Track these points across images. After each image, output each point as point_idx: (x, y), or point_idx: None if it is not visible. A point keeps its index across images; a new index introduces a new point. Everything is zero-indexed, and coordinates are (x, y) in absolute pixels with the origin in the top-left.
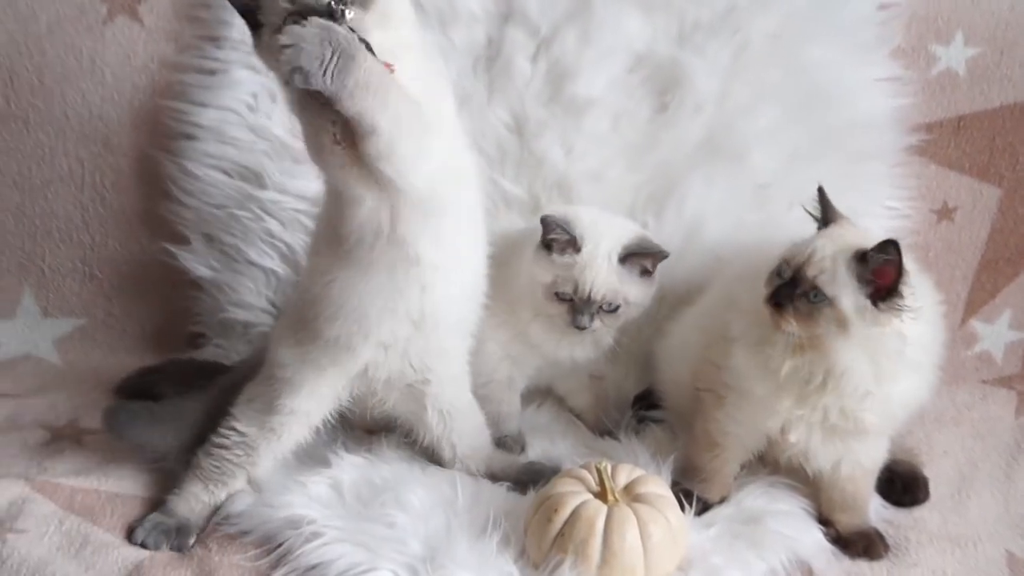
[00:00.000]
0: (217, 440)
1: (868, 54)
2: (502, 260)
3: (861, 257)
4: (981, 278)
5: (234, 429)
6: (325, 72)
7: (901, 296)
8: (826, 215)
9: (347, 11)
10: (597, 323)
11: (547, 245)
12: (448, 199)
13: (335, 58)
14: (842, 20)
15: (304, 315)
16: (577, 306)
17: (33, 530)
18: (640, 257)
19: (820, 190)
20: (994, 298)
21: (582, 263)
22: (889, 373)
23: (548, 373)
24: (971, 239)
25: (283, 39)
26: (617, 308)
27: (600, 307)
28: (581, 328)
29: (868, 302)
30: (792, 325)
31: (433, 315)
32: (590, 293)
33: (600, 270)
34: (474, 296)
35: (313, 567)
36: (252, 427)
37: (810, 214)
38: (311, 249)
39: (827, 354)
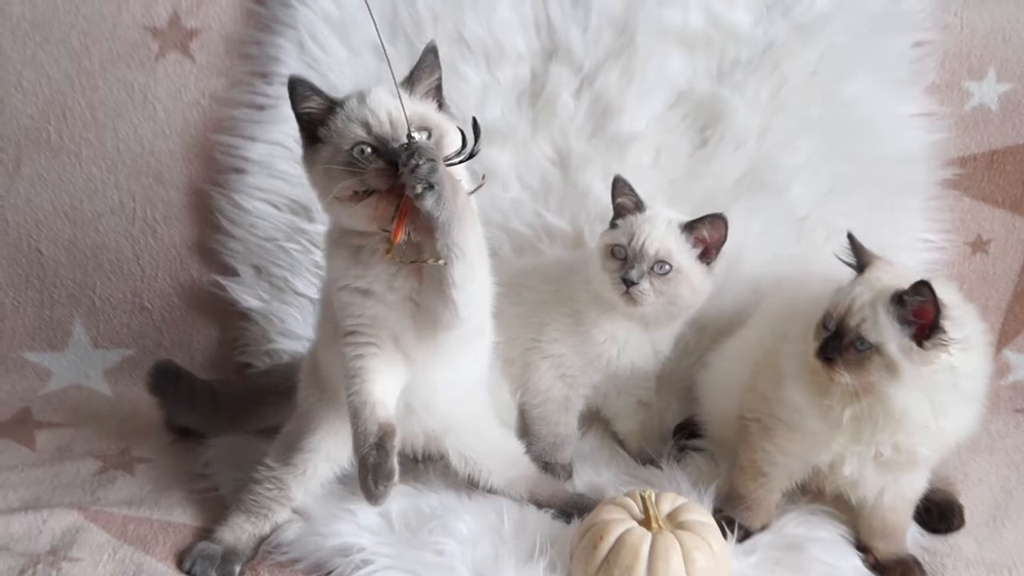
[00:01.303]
0: (254, 475)
1: (903, 90)
2: (565, 277)
3: (898, 299)
4: (1015, 309)
5: (265, 465)
6: (446, 198)
7: (943, 331)
8: (860, 259)
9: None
10: (647, 284)
11: (615, 214)
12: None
13: (451, 188)
14: (878, 57)
15: (318, 364)
16: (630, 260)
17: (87, 559)
18: (701, 226)
19: (850, 236)
20: None
21: (642, 219)
22: (945, 407)
23: (601, 392)
24: (1004, 270)
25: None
26: (668, 272)
27: (652, 267)
28: (630, 284)
29: (913, 343)
30: (845, 377)
31: (424, 404)
32: (644, 244)
33: (658, 227)
34: (474, 372)
35: None
36: (279, 463)
37: (844, 261)
38: (321, 310)
39: (884, 398)
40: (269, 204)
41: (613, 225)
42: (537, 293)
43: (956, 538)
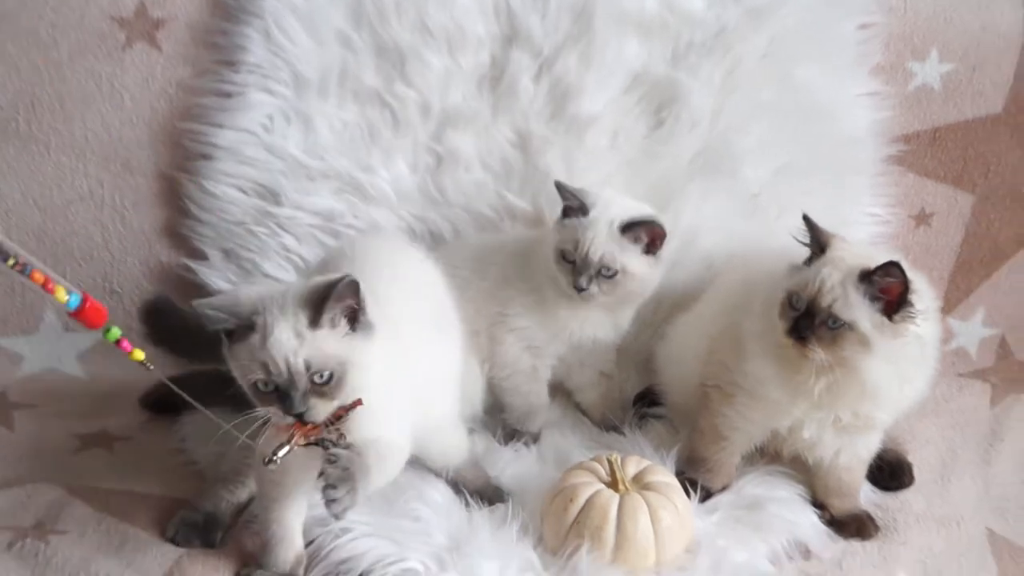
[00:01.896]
0: (230, 444)
1: (850, 71)
2: (529, 253)
3: (866, 276)
4: (956, 279)
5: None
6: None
7: (911, 304)
8: (818, 239)
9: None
10: (595, 288)
11: (563, 212)
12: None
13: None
14: (826, 40)
15: None
16: (578, 266)
17: (74, 531)
18: (638, 228)
19: (806, 218)
20: (968, 297)
21: (585, 224)
22: (910, 375)
23: (565, 364)
24: (947, 242)
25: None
26: (614, 275)
27: (599, 271)
28: (579, 289)
29: (884, 318)
30: (819, 353)
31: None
32: (588, 252)
33: (600, 233)
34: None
35: (344, 561)
36: (254, 435)
37: (801, 242)
38: None
39: (856, 371)
40: (237, 189)
41: (563, 222)
42: (502, 268)
43: (906, 495)
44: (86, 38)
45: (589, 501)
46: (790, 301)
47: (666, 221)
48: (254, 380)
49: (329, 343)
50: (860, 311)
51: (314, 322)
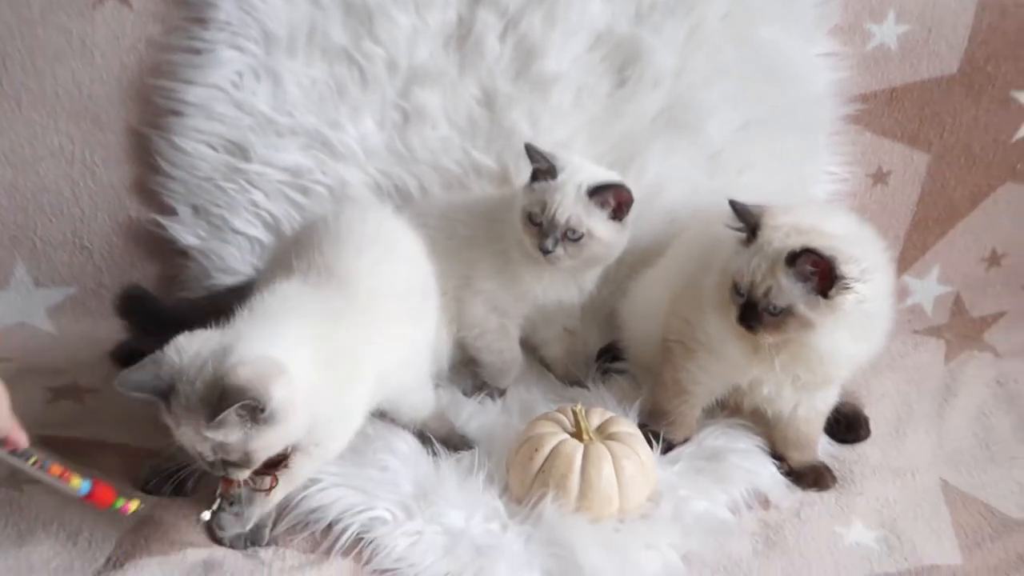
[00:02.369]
0: None
1: (809, 32)
2: (495, 215)
3: (792, 259)
4: (912, 237)
5: None
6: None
7: (842, 277)
8: (748, 223)
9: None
10: (561, 251)
11: (532, 176)
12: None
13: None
14: (787, 1)
15: None
16: (544, 229)
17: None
18: (606, 192)
19: (731, 203)
20: (924, 255)
21: (553, 188)
22: (864, 334)
23: (530, 322)
24: (903, 201)
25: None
26: (580, 238)
27: (565, 234)
28: (545, 252)
29: (819, 297)
30: (768, 338)
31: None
32: (555, 215)
33: (568, 196)
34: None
35: (314, 510)
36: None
37: (732, 228)
38: None
39: (807, 346)
40: (207, 145)
41: (531, 185)
42: (469, 229)
43: (863, 447)
44: None
45: (554, 450)
46: (735, 288)
47: (632, 184)
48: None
49: (230, 437)
50: (795, 295)
51: (210, 419)
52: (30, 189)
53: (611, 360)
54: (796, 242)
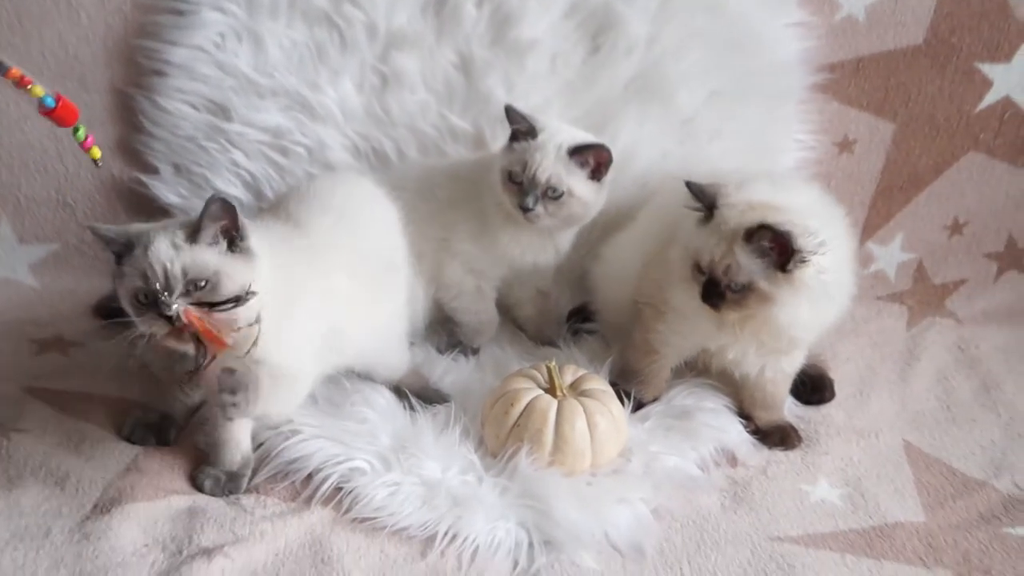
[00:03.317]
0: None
1: (779, 2)
2: (473, 178)
3: (749, 237)
4: (877, 204)
5: None
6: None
7: (799, 251)
8: (705, 202)
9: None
10: (541, 209)
11: (512, 137)
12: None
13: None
14: None
15: None
16: (525, 187)
17: (35, 429)
18: (586, 152)
19: (687, 184)
20: (888, 222)
21: (534, 147)
22: (825, 303)
23: (505, 282)
24: (868, 169)
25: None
26: (560, 196)
27: (545, 192)
28: (526, 209)
29: (777, 272)
30: (732, 315)
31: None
32: (536, 173)
33: (548, 155)
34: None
35: (294, 460)
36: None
37: (690, 207)
38: None
39: (771, 319)
40: (189, 105)
41: (511, 146)
42: (447, 192)
43: (828, 408)
44: None
45: (529, 405)
46: (697, 266)
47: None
48: (135, 290)
49: (205, 255)
50: (754, 271)
51: (191, 238)
52: (15, 147)
53: (582, 321)
54: (751, 219)
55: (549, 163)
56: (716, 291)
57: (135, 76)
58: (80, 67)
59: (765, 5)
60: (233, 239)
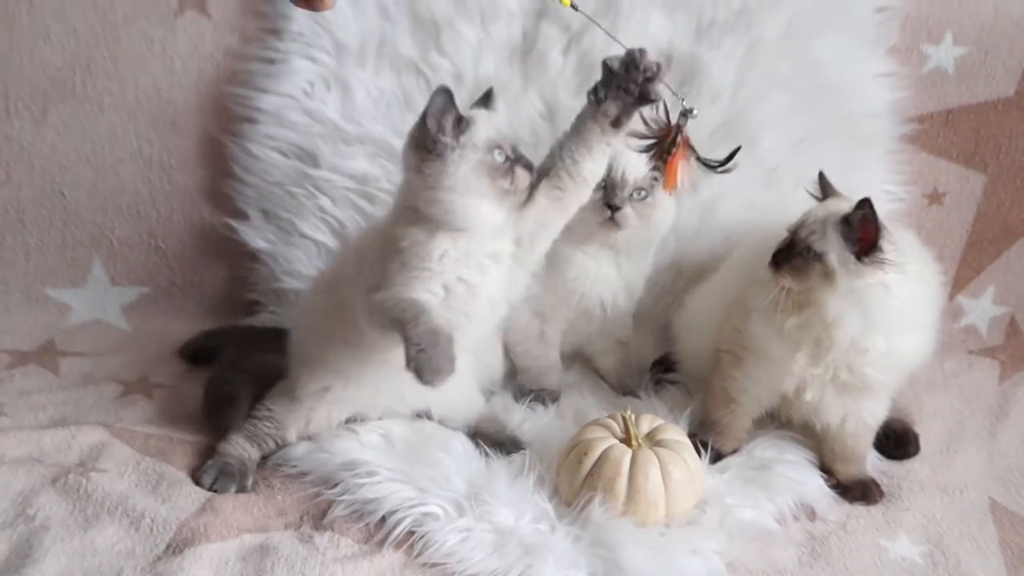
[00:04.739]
0: (254, 412)
1: (867, 51)
2: None
3: (846, 220)
4: (967, 257)
5: (265, 406)
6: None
7: (881, 250)
8: (825, 193)
9: None
10: (629, 209)
11: None
12: None
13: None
14: (844, 20)
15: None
16: (611, 188)
17: (113, 469)
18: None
19: (821, 174)
20: (979, 275)
21: (615, 153)
22: (880, 325)
23: (584, 333)
24: (959, 221)
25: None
26: (646, 197)
27: (631, 193)
28: (615, 208)
29: (852, 256)
30: (787, 280)
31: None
32: (624, 172)
33: (631, 157)
34: None
35: (369, 501)
36: (278, 407)
37: (812, 195)
38: (315, 288)
39: (819, 306)
40: (278, 152)
41: None
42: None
43: (912, 464)
44: (141, 3)
45: (603, 455)
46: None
47: (688, 201)
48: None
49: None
50: (832, 245)
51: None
52: (109, 190)
53: (664, 371)
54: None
55: (634, 163)
56: (787, 254)
57: (226, 122)
58: (173, 112)
59: (852, 54)
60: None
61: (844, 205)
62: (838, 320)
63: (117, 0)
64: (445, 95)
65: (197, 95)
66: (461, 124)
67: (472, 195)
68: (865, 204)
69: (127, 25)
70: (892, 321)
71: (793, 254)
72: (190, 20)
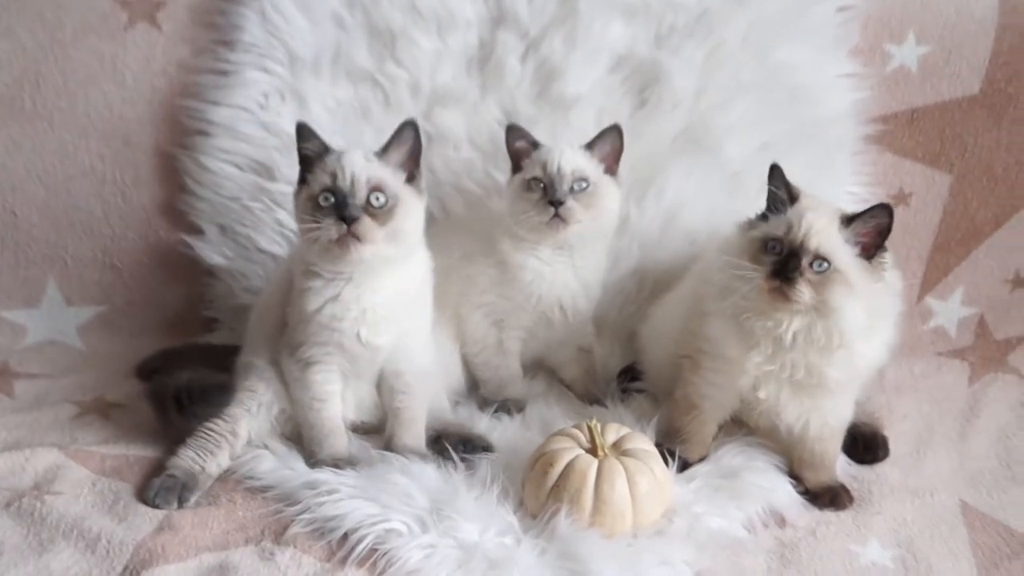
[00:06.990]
0: (209, 422)
1: (829, 53)
2: (485, 228)
3: (848, 221)
4: (935, 258)
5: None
6: None
7: (885, 249)
8: (790, 190)
9: None
10: (572, 202)
11: (514, 159)
12: None
13: None
14: (805, 23)
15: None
16: (550, 185)
17: (68, 491)
18: (601, 144)
19: (776, 166)
20: (947, 277)
21: (547, 149)
22: (877, 325)
23: (540, 340)
24: (925, 222)
25: None
26: (587, 187)
27: (571, 187)
28: (558, 204)
29: (864, 261)
30: (805, 295)
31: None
32: (560, 166)
33: (565, 151)
34: None
35: (331, 519)
36: (239, 408)
37: (775, 191)
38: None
39: (836, 314)
40: (233, 165)
41: (517, 169)
42: (462, 246)
43: (882, 467)
44: (90, 18)
45: (568, 466)
46: (766, 246)
47: (652, 206)
48: (320, 191)
49: (388, 175)
50: (845, 253)
51: (380, 155)
52: (62, 208)
53: (631, 380)
54: (840, 211)
55: (570, 155)
56: (797, 265)
57: (179, 136)
58: (125, 128)
59: (814, 57)
60: (413, 175)
61: (823, 205)
62: (853, 331)
63: (65, 15)
64: None
65: (149, 110)
66: None
67: None
68: (884, 211)
69: (76, 40)
70: (882, 321)
71: (804, 266)
72: (141, 33)
